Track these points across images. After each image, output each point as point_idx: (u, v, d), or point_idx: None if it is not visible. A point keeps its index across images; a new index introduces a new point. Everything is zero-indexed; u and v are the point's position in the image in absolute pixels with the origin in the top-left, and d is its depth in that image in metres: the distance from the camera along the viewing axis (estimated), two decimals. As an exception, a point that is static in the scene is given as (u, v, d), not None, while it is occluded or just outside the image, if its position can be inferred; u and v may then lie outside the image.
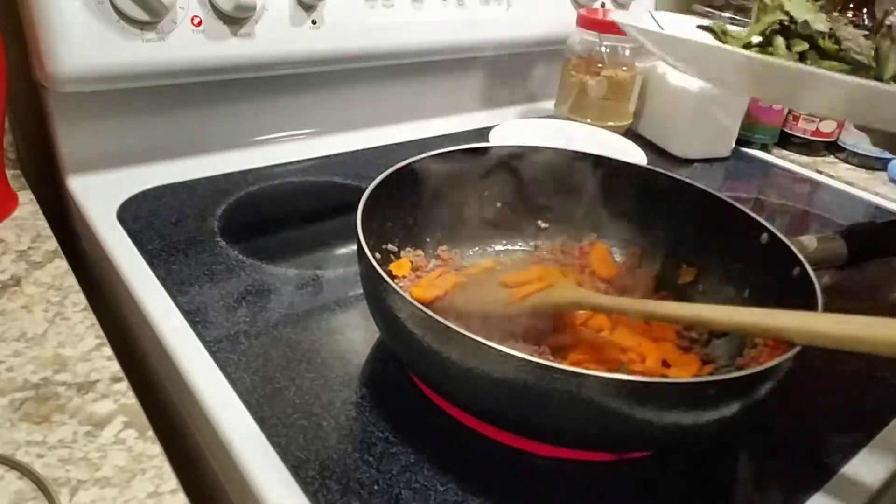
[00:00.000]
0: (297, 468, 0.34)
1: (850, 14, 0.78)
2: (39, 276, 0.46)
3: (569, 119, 0.79)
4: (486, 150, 0.50)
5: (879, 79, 0.45)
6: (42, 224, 0.52)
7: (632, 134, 0.81)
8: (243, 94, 0.66)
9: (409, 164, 0.46)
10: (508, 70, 0.85)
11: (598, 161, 0.50)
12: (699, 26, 0.54)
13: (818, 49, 0.47)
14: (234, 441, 0.35)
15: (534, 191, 0.51)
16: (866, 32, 0.46)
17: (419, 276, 0.46)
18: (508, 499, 0.34)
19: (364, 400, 0.39)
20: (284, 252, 0.53)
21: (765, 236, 0.43)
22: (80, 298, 0.45)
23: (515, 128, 0.72)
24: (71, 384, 0.37)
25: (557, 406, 0.31)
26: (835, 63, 0.46)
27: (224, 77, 0.61)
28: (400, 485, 0.34)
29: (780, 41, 0.47)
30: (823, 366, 0.45)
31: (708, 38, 0.52)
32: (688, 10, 1.01)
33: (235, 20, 0.57)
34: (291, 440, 0.35)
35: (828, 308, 0.35)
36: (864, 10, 0.78)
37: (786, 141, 0.90)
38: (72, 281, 0.46)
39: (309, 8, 0.61)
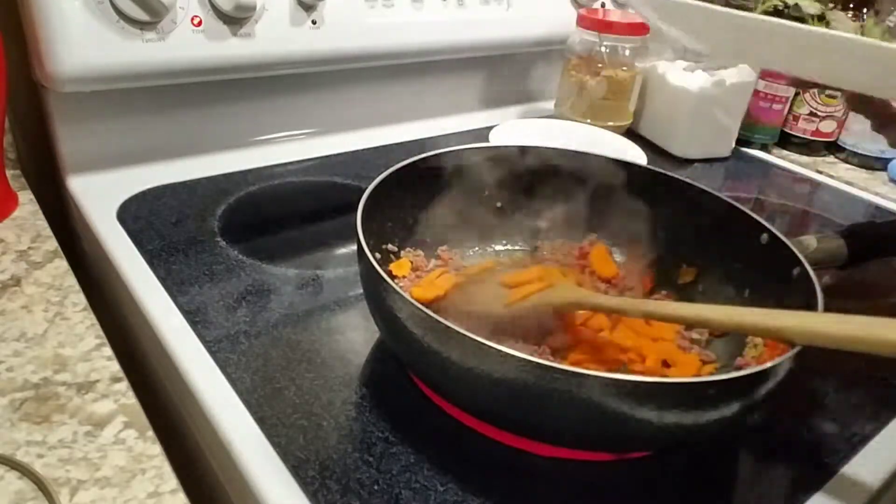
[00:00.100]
0: (297, 468, 0.34)
1: (849, 14, 0.78)
2: (39, 276, 0.46)
3: (569, 119, 0.79)
4: (486, 150, 0.50)
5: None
6: (42, 224, 0.52)
7: (632, 134, 0.81)
8: (243, 94, 0.66)
9: (409, 164, 0.46)
10: (508, 70, 0.85)
11: (598, 161, 0.50)
12: None
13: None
14: (234, 441, 0.35)
15: (534, 191, 0.51)
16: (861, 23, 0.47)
17: (419, 276, 0.46)
18: (508, 499, 0.34)
19: (364, 400, 0.39)
20: (284, 252, 0.53)
21: (765, 236, 0.43)
22: (80, 298, 0.45)
23: (515, 128, 0.72)
24: (71, 384, 0.37)
25: (557, 406, 0.31)
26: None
27: (224, 77, 0.61)
28: (400, 485, 0.34)
29: None
30: (823, 366, 0.45)
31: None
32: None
33: (235, 20, 0.57)
34: (291, 440, 0.35)
35: (828, 308, 0.35)
36: (864, 10, 0.78)
37: (786, 141, 0.90)
38: (72, 281, 0.46)
39: (309, 8, 0.61)
